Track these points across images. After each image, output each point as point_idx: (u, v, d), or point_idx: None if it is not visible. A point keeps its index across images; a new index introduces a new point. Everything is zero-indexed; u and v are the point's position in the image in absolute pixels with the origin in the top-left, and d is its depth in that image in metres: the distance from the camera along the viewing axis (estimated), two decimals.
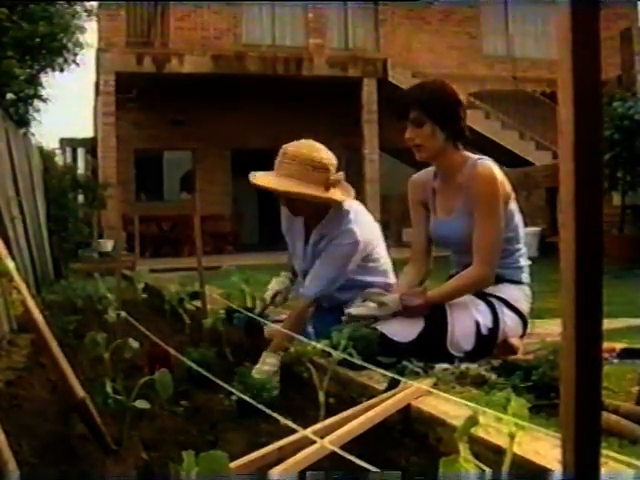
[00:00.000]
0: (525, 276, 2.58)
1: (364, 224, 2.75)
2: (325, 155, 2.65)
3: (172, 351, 2.21)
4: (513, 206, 2.53)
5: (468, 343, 2.32)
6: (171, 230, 14.58)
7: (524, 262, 2.58)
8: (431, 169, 2.68)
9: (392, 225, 12.55)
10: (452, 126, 2.49)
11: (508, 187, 2.50)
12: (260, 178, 2.68)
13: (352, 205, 2.77)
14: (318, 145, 2.69)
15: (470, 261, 2.51)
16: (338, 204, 2.69)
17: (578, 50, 0.61)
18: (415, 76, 13.10)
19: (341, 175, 2.68)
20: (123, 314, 2.99)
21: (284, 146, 2.65)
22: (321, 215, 2.74)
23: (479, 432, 1.25)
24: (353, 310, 2.44)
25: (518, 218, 2.56)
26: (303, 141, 2.68)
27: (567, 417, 0.63)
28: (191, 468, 0.93)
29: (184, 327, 3.14)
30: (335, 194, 2.65)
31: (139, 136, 15.17)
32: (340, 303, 2.73)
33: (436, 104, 2.48)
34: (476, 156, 2.53)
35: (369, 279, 2.78)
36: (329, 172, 2.62)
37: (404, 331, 2.29)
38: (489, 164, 2.48)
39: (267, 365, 2.30)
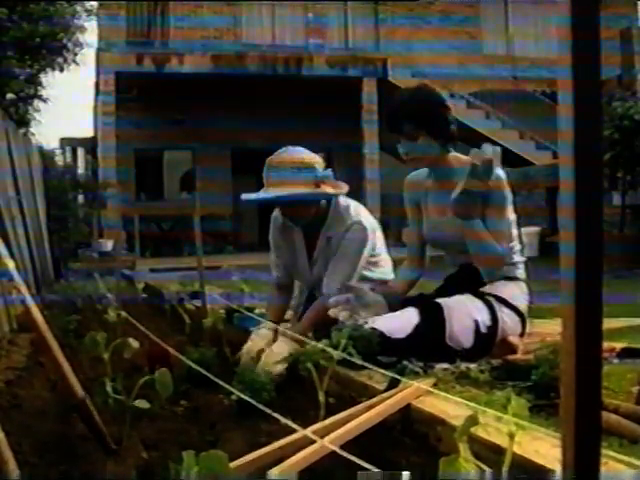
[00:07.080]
0: (520, 272, 2.59)
1: (366, 217, 2.80)
2: (307, 155, 2.71)
3: (172, 351, 2.21)
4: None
5: (467, 341, 2.31)
6: (171, 230, 14.58)
7: (518, 258, 2.60)
8: (425, 169, 2.70)
9: (392, 225, 12.54)
10: (444, 133, 2.51)
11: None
12: (250, 195, 2.81)
13: (348, 200, 2.82)
14: (298, 148, 2.74)
15: (464, 261, 2.52)
16: (329, 197, 2.73)
17: (578, 50, 0.61)
18: (415, 76, 13.10)
19: (329, 172, 2.71)
20: (123, 314, 2.99)
21: (267, 160, 2.69)
22: (321, 219, 2.78)
23: (479, 432, 1.25)
24: (331, 313, 2.42)
25: (512, 216, 2.59)
26: (282, 149, 2.74)
27: (567, 417, 0.63)
28: (191, 468, 0.92)
29: (184, 327, 3.14)
30: (327, 189, 2.69)
31: (139, 136, 15.16)
32: None
33: (428, 115, 2.49)
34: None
35: (372, 275, 2.81)
36: (316, 170, 2.67)
37: (400, 327, 2.28)
38: None
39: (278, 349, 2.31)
